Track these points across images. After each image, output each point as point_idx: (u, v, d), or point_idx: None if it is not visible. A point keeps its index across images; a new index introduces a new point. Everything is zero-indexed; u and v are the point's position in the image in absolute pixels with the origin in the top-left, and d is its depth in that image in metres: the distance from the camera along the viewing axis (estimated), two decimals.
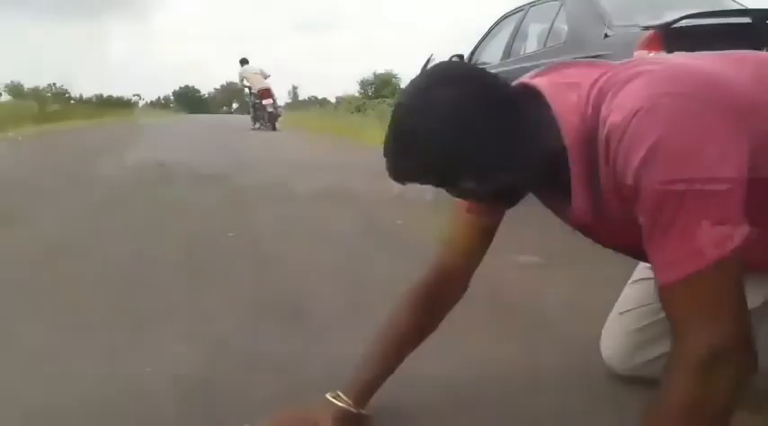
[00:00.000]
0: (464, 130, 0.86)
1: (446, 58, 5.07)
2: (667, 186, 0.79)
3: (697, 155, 0.79)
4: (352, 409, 1.16)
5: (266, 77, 13.08)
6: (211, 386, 1.37)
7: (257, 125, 12.99)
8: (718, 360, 0.78)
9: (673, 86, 0.83)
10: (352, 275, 2.25)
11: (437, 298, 1.22)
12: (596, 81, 0.90)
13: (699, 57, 1.00)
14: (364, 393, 1.18)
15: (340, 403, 1.16)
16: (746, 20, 3.00)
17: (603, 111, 0.86)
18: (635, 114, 0.81)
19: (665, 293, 0.83)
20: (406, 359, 1.23)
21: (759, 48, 2.86)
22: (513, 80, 1.08)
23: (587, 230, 1.07)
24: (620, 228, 0.95)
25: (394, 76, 25.79)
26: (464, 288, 1.24)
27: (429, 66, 0.96)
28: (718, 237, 0.78)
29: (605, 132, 0.85)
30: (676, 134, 0.79)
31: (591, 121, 0.89)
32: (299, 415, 1.18)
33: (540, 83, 0.96)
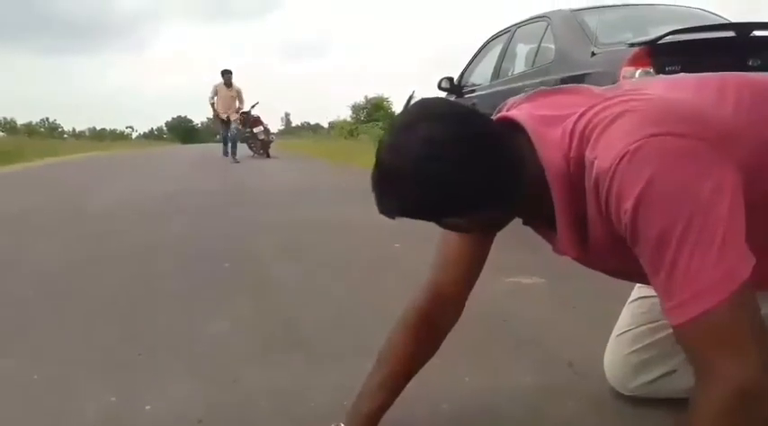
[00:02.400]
0: (444, 169, 0.85)
1: (436, 81, 5.14)
2: (666, 227, 0.78)
3: (691, 193, 0.78)
4: None
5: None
6: (212, 423, 1.35)
7: (236, 158, 11.20)
8: (749, 397, 0.76)
9: (656, 126, 0.82)
10: (352, 301, 2.23)
11: (433, 323, 1.20)
12: (580, 118, 0.89)
13: (681, 84, 0.99)
14: (367, 423, 1.16)
15: None
16: (731, 34, 3.04)
17: (589, 154, 0.86)
18: (621, 158, 0.80)
19: (680, 334, 0.81)
20: (407, 386, 1.21)
21: (744, 61, 2.91)
22: (502, 101, 1.08)
23: (573, 258, 1.06)
24: (606, 258, 0.96)
25: (385, 100, 25.90)
26: (460, 310, 1.21)
27: (411, 102, 0.94)
28: (725, 272, 0.77)
29: (593, 177, 0.85)
30: (666, 174, 0.79)
31: (575, 162, 0.88)
32: None
33: (522, 116, 0.95)
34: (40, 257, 3.21)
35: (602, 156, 0.83)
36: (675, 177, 0.79)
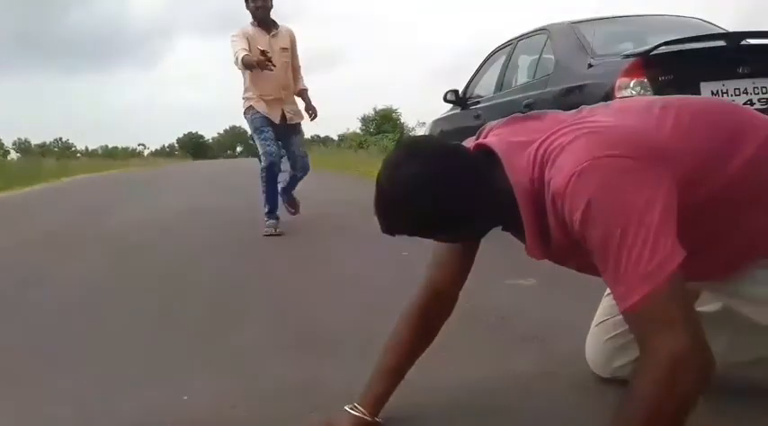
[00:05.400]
0: (431, 202, 1.07)
1: (443, 92, 5.28)
2: (608, 232, 0.96)
3: (628, 203, 0.95)
4: (367, 417, 1.32)
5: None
6: (243, 409, 1.52)
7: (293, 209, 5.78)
8: (680, 364, 0.91)
9: (600, 150, 1.00)
10: (365, 305, 2.39)
11: (432, 315, 1.38)
12: (540, 144, 1.08)
13: (629, 110, 1.17)
14: (377, 403, 1.34)
15: (356, 413, 1.32)
16: (722, 43, 3.15)
17: (547, 175, 1.05)
18: (570, 178, 0.99)
19: (627, 317, 0.98)
20: (413, 371, 1.38)
21: (734, 69, 3.00)
22: (506, 112, 1.25)
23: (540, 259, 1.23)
24: (568, 257, 1.17)
25: (394, 111, 26.06)
26: (453, 304, 1.39)
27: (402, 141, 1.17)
28: (656, 266, 0.93)
29: (550, 195, 1.04)
30: (607, 188, 0.97)
31: (538, 182, 1.08)
32: (323, 425, 1.35)
33: (497, 144, 1.14)
34: (73, 273, 3.41)
35: (556, 177, 1.02)
36: (615, 190, 0.97)
